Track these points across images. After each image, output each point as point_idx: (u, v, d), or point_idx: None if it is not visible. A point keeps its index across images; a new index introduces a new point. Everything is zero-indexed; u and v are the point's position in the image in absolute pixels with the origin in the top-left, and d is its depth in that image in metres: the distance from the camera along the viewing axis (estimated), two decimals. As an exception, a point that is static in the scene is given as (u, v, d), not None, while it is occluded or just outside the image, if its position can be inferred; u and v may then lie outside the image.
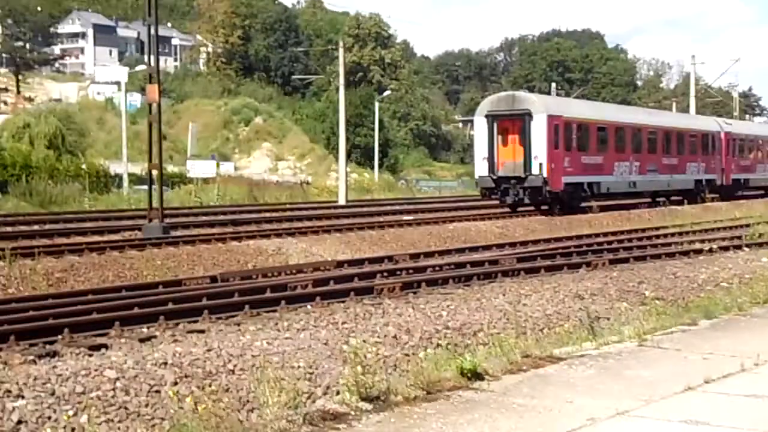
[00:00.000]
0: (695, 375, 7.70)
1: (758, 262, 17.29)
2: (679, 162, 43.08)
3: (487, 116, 34.32)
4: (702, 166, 44.85)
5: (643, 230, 28.39)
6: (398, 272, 17.43)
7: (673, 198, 41.58)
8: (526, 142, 33.46)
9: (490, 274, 16.74)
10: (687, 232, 26.88)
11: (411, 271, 17.65)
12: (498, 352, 8.90)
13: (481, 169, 34.58)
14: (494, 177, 33.91)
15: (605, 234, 26.93)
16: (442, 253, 21.65)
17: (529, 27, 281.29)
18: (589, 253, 20.36)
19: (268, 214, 32.64)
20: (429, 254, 21.20)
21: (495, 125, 34.02)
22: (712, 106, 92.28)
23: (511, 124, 33.97)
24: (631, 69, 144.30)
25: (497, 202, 34.97)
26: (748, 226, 28.34)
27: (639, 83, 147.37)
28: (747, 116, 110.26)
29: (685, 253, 20.18)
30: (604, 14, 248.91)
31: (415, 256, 20.46)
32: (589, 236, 26.12)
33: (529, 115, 33.48)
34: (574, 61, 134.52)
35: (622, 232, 27.45)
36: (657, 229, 28.92)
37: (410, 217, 31.89)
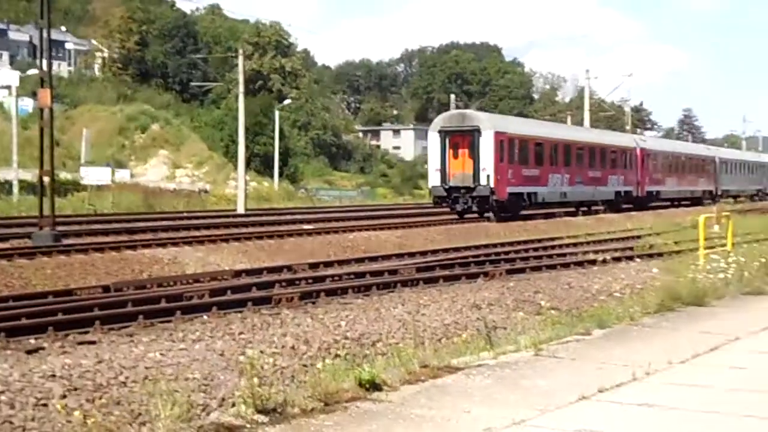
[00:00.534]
0: (589, 384, 7.78)
1: (649, 273, 17.73)
2: (602, 175, 47.12)
3: (440, 132, 38.03)
4: (621, 179, 49.10)
5: (539, 241, 28.90)
6: (297, 282, 17.31)
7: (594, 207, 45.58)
8: (475, 156, 37.01)
9: (389, 284, 16.75)
10: (581, 243, 27.46)
11: (310, 280, 17.55)
12: (396, 363, 8.86)
13: (434, 179, 38.16)
14: (446, 187, 37.38)
15: (502, 244, 27.30)
16: (341, 262, 21.59)
17: (429, 39, 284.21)
18: (487, 263, 20.60)
19: (164, 223, 32.06)
20: (328, 264, 21.11)
21: (447, 140, 37.60)
22: (605, 119, 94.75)
23: (462, 139, 37.51)
24: (527, 82, 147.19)
25: (440, 208, 38.88)
26: (639, 237, 29.18)
27: (535, 96, 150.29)
28: (638, 130, 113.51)
29: (580, 264, 20.59)
30: (502, 28, 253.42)
31: (314, 266, 20.34)
32: (486, 246, 26.44)
33: (478, 131, 37.15)
34: (472, 73, 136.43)
35: (518, 243, 27.89)
36: (553, 239, 29.44)
37: (310, 227, 31.76)
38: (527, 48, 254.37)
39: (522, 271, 19.20)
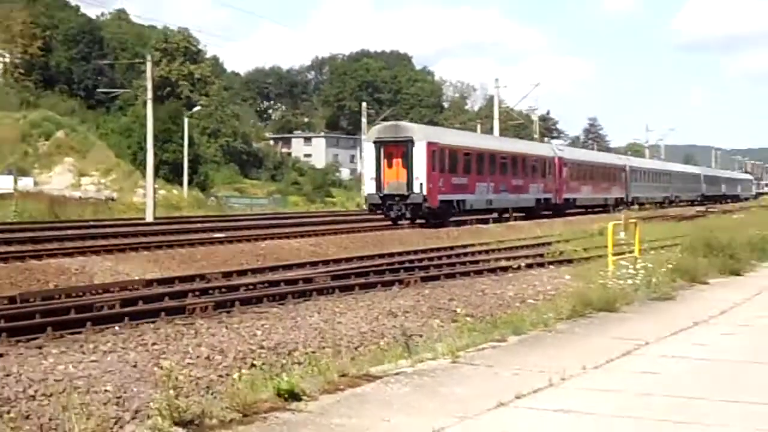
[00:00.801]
0: (507, 391, 7.85)
1: (561, 279, 18.03)
2: (524, 183, 49.81)
3: (375, 142, 39.92)
4: (541, 187, 51.88)
5: (452, 248, 29.13)
6: (211, 291, 17.10)
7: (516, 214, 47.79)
8: (409, 165, 38.94)
9: (304, 292, 16.68)
10: (493, 250, 27.78)
11: (224, 289, 17.35)
12: (315, 372, 8.80)
13: (369, 187, 40.34)
14: (381, 195, 39.22)
15: (416, 252, 27.45)
16: (255, 271, 21.41)
17: (339, 47, 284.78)
18: (402, 271, 20.68)
19: (70, 232, 31.33)
20: (242, 272, 20.91)
21: (382, 150, 39.42)
22: (513, 128, 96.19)
23: (396, 150, 39.38)
24: (437, 91, 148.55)
25: (371, 215, 41.03)
26: (549, 244, 29.67)
27: (445, 105, 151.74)
28: (545, 139, 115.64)
29: (493, 271, 20.84)
30: (412, 37, 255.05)
31: (227, 275, 20.13)
32: (401, 254, 26.56)
33: (412, 142, 39.12)
34: (383, 81, 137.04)
35: (432, 250, 28.08)
36: (465, 247, 29.73)
37: (222, 235, 31.41)
38: (437, 57, 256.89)
39: (436, 278, 19.32)
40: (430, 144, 39.60)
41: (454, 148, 42.63)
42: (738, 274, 18.44)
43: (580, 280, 16.07)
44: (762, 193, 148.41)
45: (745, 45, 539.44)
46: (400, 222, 39.19)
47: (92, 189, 66.18)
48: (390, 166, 39.40)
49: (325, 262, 23.88)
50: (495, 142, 53.04)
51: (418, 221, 39.45)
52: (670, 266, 16.29)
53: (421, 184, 38.66)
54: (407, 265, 22.46)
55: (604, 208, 58.82)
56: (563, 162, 55.38)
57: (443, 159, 40.68)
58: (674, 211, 60.04)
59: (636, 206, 62.22)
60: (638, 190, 70.30)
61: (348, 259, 24.60)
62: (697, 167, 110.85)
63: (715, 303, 13.94)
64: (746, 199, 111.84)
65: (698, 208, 67.04)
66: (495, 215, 45.55)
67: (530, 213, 48.60)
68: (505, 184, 47.29)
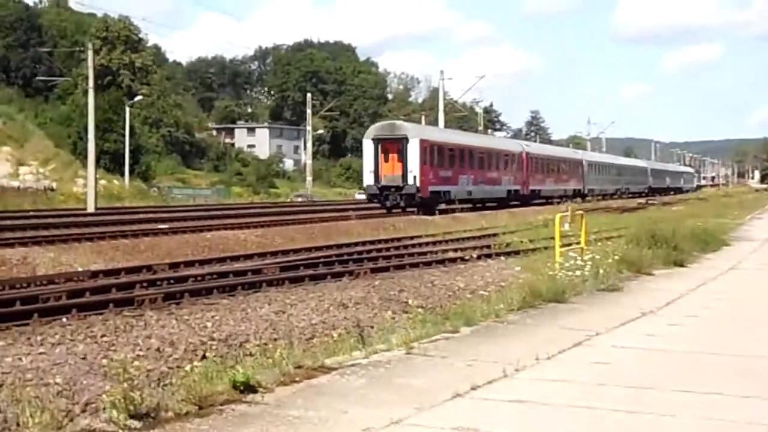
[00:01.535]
0: (462, 382, 7.88)
1: (509, 270, 18.18)
2: (498, 176, 55.89)
3: (373, 139, 45.66)
4: (512, 179, 58.05)
5: (400, 239, 29.23)
6: (159, 283, 16.92)
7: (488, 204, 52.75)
8: (404, 160, 44.43)
9: (254, 283, 16.61)
10: (441, 242, 27.92)
11: (172, 281, 17.18)
12: (269, 364, 8.76)
13: (368, 179, 45.60)
14: (378, 186, 44.67)
15: (364, 243, 27.49)
16: (203, 262, 21.24)
17: (283, 37, 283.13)
18: (351, 263, 20.68)
19: (9, 222, 30.75)
20: (189, 264, 20.73)
21: (379, 146, 45.08)
22: (457, 120, 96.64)
23: (392, 146, 45.05)
24: (382, 82, 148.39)
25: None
26: (495, 235, 29.91)
27: (390, 96, 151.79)
28: (489, 131, 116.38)
29: (441, 262, 20.94)
30: (356, 27, 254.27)
31: (174, 266, 19.94)
32: (349, 245, 26.58)
33: (406, 139, 44.82)
34: (327, 72, 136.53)
35: (380, 242, 28.15)
36: (412, 238, 29.85)
37: (165, 226, 31.10)
38: (381, 48, 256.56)
39: (386, 269, 19.36)
40: (422, 141, 45.30)
41: (442, 145, 48.26)
42: (682, 266, 18.79)
43: (529, 271, 16.23)
44: (702, 186, 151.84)
45: (683, 39, 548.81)
46: (394, 210, 44.28)
47: (31, 179, 64.99)
48: (387, 160, 44.99)
49: (273, 254, 23.80)
50: (474, 139, 59.63)
51: (410, 209, 44.43)
52: (616, 258, 16.52)
53: (415, 176, 44.19)
54: (356, 256, 22.48)
55: (563, 198, 62.29)
56: (529, 157, 61.37)
57: (433, 154, 46.30)
58: (617, 203, 60.99)
59: (590, 198, 67.00)
60: (593, 182, 75.82)
61: (296, 251, 24.55)
62: (644, 161, 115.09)
63: (661, 294, 14.18)
64: (688, 191, 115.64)
65: (639, 200, 68.67)
66: (469, 205, 49.52)
67: (502, 203, 53.32)
68: (482, 177, 52.98)
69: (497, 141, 65.53)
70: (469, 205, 49.18)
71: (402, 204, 44.31)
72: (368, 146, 46.05)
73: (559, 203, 48.75)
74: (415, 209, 44.32)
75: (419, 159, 44.44)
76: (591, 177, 75.72)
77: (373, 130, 47.37)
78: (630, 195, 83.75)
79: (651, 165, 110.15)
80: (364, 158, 46.74)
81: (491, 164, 54.98)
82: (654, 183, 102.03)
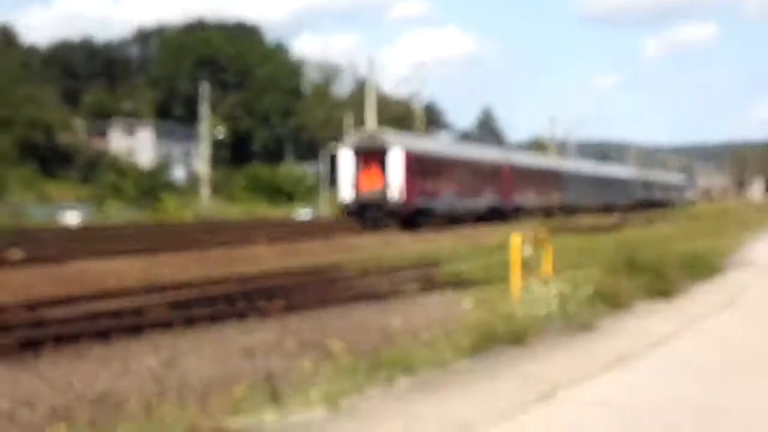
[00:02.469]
0: (399, 450, 7.93)
1: (458, 306, 18.29)
2: (482, 189, 62.66)
3: (354, 150, 51.09)
4: (493, 193, 64.87)
5: (321, 268, 29.24)
6: (11, 327, 16.66)
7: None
8: (386, 172, 50.26)
9: (135, 327, 16.49)
10: (374, 271, 28.01)
11: (29, 325, 16.93)
12: (154, 429, 8.70)
13: (347, 194, 51.10)
14: (358, 202, 50.22)
15: (277, 273, 27.45)
16: (69, 301, 20.97)
17: (170, 14, 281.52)
18: (259, 298, 20.65)
19: None
20: (52, 303, 20.45)
21: (359, 158, 50.62)
22: (391, 121, 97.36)
23: (374, 157, 50.55)
24: (296, 72, 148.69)
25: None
26: (439, 264, 30.07)
27: (306, 89, 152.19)
28: (441, 132, 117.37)
29: (374, 297, 21.05)
30: (263, 2, 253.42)
31: (32, 307, 19.66)
32: (257, 277, 26.52)
33: (390, 149, 50.34)
34: (227, 59, 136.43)
35: (296, 271, 28.14)
36: (337, 266, 29.89)
37: (20, 254, 30.65)
38: (295, 30, 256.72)
39: (304, 306, 19.38)
40: (406, 151, 51.00)
41: (426, 156, 54.23)
42: (668, 297, 19.13)
43: (481, 307, 16.36)
44: (707, 199, 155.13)
45: (668, 17, 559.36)
46: (373, 228, 48.26)
47: None
48: (367, 173, 50.66)
49: (161, 289, 23.61)
50: (457, 149, 69.14)
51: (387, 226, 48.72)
52: (588, 290, 16.75)
53: (398, 190, 49.93)
54: (266, 290, 22.44)
55: (546, 213, 67.49)
56: (511, 168, 68.16)
57: (417, 166, 51.77)
58: (587, 222, 61.91)
59: (572, 213, 72.36)
60: (574, 195, 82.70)
61: (190, 284, 24.41)
62: (629, 170, 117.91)
63: (643, 334, 14.42)
64: (681, 205, 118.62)
65: (615, 218, 70.20)
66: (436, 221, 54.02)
67: (483, 218, 58.84)
68: (465, 191, 59.43)
69: (481, 151, 72.42)
70: (449, 222, 54.29)
71: (384, 221, 49.30)
72: (346, 157, 51.49)
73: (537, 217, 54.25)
74: (395, 225, 49.27)
75: (403, 171, 50.24)
76: (571, 189, 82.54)
77: (353, 139, 53.46)
78: (616, 210, 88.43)
79: (639, 175, 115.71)
80: (341, 170, 51.93)
81: (475, 176, 61.60)
82: (642, 195, 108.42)
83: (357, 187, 50.50)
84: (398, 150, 50.66)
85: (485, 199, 63.14)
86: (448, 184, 56.74)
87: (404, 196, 49.85)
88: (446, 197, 56.26)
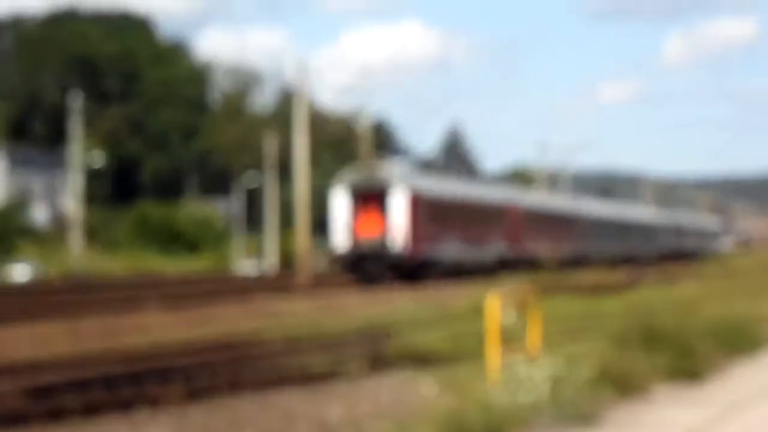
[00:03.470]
0: None
1: (417, 391, 18.34)
2: (490, 236, 68.61)
3: (348, 189, 55.85)
4: (502, 241, 70.92)
5: (235, 341, 29.20)
6: None
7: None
8: (388, 217, 55.30)
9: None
10: (305, 344, 28.00)
11: None
12: None
13: (340, 242, 56.01)
14: (355, 252, 55.10)
15: (172, 350, 27.34)
16: None
17: (31, 2, 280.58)
18: (150, 382, 20.59)
19: None
20: None
21: (356, 199, 55.46)
22: (328, 144, 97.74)
23: (373, 199, 55.43)
24: (200, 78, 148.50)
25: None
26: (393, 332, 30.09)
27: (215, 101, 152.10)
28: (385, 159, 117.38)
29: (306, 378, 21.07)
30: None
31: None
32: (146, 354, 26.41)
33: (391, 190, 55.47)
34: (108, 60, 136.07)
35: (202, 346, 28.06)
36: (257, 338, 29.84)
37: None
38: (198, 21, 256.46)
39: (212, 392, 19.39)
40: (411, 192, 56.28)
41: (432, 197, 59.74)
42: (697, 379, 19.26)
43: (449, 392, 16.42)
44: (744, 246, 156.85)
45: (696, 8, 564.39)
46: (372, 282, 52.45)
47: None
48: (365, 217, 55.32)
49: (13, 371, 23.47)
50: (463, 188, 74.66)
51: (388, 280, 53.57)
52: (590, 370, 16.84)
53: (401, 238, 54.75)
54: (160, 371, 22.38)
55: (561, 264, 70.63)
56: (524, 211, 75.39)
57: (423, 209, 56.84)
58: (589, 279, 62.35)
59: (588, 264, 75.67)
60: (592, 244, 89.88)
61: (56, 365, 24.29)
62: (652, 212, 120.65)
63: (662, 429, 14.53)
64: (713, 257, 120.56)
65: (627, 274, 70.74)
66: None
67: (491, 271, 61.93)
68: (473, 238, 65.75)
69: (484, 189, 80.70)
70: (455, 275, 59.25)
71: (385, 274, 54.07)
72: (340, 198, 56.20)
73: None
74: (396, 279, 53.71)
75: (408, 215, 55.29)
76: (589, 237, 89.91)
77: (348, 176, 58.25)
78: (636, 261, 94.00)
79: (663, 219, 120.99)
80: (334, 214, 56.41)
81: (483, 222, 67.99)
82: (668, 243, 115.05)
83: (353, 233, 55.34)
84: (402, 190, 56.13)
85: (494, 248, 69.44)
86: (453, 231, 62.28)
87: (409, 246, 55.18)
88: (452, 246, 61.97)
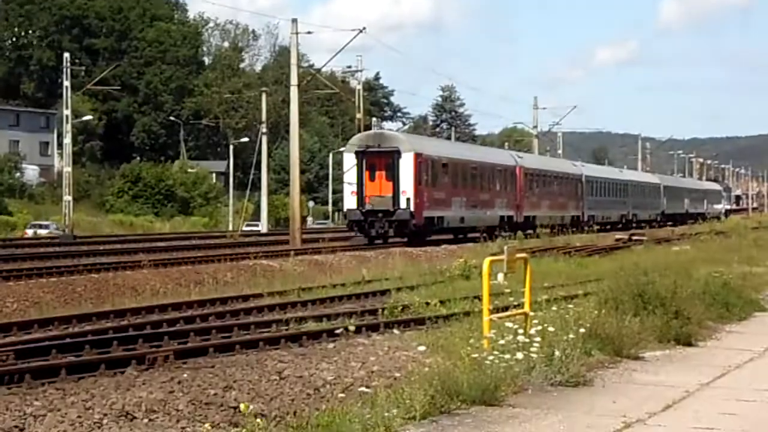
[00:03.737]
0: None
1: (408, 351, 18.33)
2: (491, 198, 71.64)
3: (357, 152, 58.97)
4: (504, 203, 73.97)
5: (226, 300, 29.24)
6: None
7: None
8: (394, 178, 57.87)
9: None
10: (295, 303, 28.03)
11: None
12: None
13: (349, 203, 59.57)
14: (363, 211, 57.87)
15: (166, 307, 27.38)
16: None
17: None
18: (141, 341, 20.63)
19: None
20: None
21: (364, 161, 58.55)
22: (323, 101, 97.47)
23: (380, 161, 58.66)
24: (193, 37, 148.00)
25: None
26: (383, 293, 30.12)
27: (208, 60, 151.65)
28: (374, 119, 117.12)
29: (296, 338, 21.18)
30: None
31: None
32: (139, 311, 26.43)
33: (398, 153, 58.36)
34: (99, 18, 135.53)
35: (191, 304, 28.09)
36: (247, 298, 29.87)
37: None
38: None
39: (201, 352, 19.45)
40: (417, 155, 58.79)
41: (438, 159, 62.71)
42: (689, 343, 19.27)
43: (440, 352, 16.41)
44: (736, 210, 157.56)
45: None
46: (377, 241, 57.74)
47: None
48: (373, 179, 58.39)
49: (4, 329, 23.51)
50: (467, 151, 78.44)
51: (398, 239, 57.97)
52: (582, 330, 16.82)
53: (408, 199, 57.54)
54: (150, 330, 22.42)
55: (561, 228, 75.81)
56: (523, 172, 77.03)
57: (429, 171, 60.49)
58: (582, 239, 62.69)
59: (588, 229, 77.30)
60: (594, 206, 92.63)
61: (46, 322, 24.31)
62: (654, 175, 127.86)
63: (656, 391, 14.52)
64: (715, 218, 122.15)
65: (618, 236, 70.95)
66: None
67: (493, 232, 64.09)
68: (476, 200, 68.30)
69: (487, 152, 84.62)
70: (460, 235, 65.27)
71: (391, 233, 58.19)
72: (350, 161, 59.89)
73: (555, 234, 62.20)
74: (405, 239, 58.29)
75: (414, 177, 57.96)
76: (591, 199, 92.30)
77: (357, 140, 61.73)
78: (637, 224, 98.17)
79: (665, 181, 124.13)
80: (345, 176, 60.44)
81: (485, 183, 71.11)
82: (669, 207, 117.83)
83: (361, 195, 58.31)
84: (409, 153, 58.58)
85: (496, 211, 72.11)
86: (458, 193, 65.41)
87: (415, 206, 57.84)
88: (457, 207, 64.98)
